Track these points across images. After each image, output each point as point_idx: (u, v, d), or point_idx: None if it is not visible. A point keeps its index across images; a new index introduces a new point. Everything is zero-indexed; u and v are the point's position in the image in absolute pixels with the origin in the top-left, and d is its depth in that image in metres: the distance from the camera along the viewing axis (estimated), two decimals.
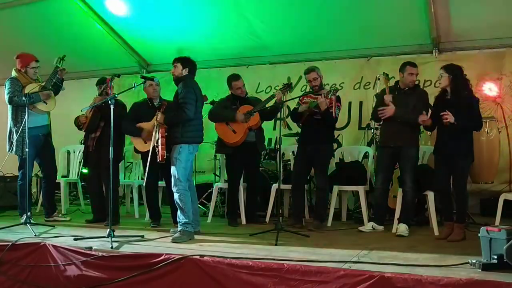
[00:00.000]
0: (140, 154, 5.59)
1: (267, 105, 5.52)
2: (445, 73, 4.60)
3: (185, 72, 4.83)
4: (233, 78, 5.71)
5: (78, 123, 5.71)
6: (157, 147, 4.82)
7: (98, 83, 5.75)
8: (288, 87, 5.41)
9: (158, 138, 4.84)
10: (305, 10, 6.44)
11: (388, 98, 4.95)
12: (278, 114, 5.19)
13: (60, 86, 5.66)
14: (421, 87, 6.57)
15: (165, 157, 4.81)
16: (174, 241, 4.45)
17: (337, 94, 5.15)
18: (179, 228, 4.63)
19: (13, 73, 5.55)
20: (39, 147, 5.58)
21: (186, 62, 4.86)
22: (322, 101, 5.06)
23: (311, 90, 5.53)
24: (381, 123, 5.21)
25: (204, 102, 5.80)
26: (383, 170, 5.06)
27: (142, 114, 5.36)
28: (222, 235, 4.81)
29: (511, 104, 6.17)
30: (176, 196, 4.70)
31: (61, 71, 5.61)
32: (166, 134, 4.89)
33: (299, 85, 7.02)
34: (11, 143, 5.46)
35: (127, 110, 5.70)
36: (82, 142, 6.23)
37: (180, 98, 4.72)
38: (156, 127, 4.94)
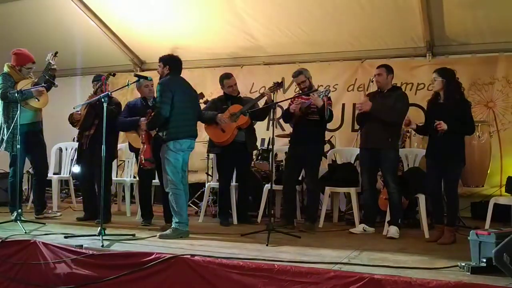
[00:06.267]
0: (134, 153, 5.57)
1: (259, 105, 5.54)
2: (438, 77, 4.62)
3: (166, 71, 4.82)
4: (225, 77, 5.72)
5: (72, 120, 5.68)
6: (141, 153, 4.87)
7: (94, 80, 5.74)
8: (278, 86, 5.42)
9: (143, 144, 4.91)
10: (300, 11, 6.46)
11: (363, 100, 5.12)
12: (271, 115, 5.19)
13: (52, 83, 5.62)
14: (414, 90, 6.65)
15: (143, 162, 4.87)
16: (161, 237, 4.49)
17: (328, 95, 5.16)
18: (172, 226, 4.65)
19: (6, 69, 5.51)
20: (31, 144, 5.54)
21: (167, 60, 4.84)
22: (315, 98, 5.06)
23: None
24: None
25: (200, 100, 5.82)
26: (366, 172, 5.12)
27: (136, 113, 5.34)
28: (214, 234, 4.81)
29: (502, 109, 6.22)
30: (169, 195, 4.71)
31: (53, 69, 5.58)
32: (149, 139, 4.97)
33: (293, 86, 7.04)
34: (1, 140, 5.42)
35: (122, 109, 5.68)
36: (76, 139, 6.20)
37: (156, 99, 4.76)
38: (141, 134, 4.99)
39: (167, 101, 4.64)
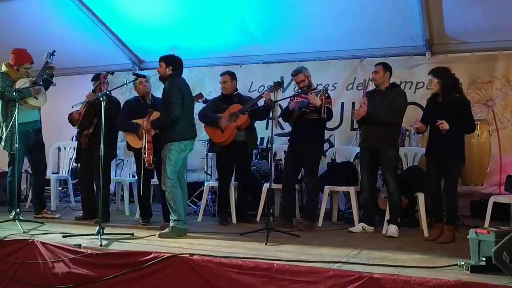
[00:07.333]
0: (132, 152, 5.55)
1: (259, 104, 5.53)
2: (434, 78, 4.60)
3: (168, 71, 4.82)
4: (221, 73, 5.75)
5: (71, 119, 5.67)
6: (144, 153, 4.82)
7: (93, 79, 5.73)
8: (278, 85, 5.41)
9: (145, 144, 4.84)
10: (299, 10, 6.44)
11: (362, 100, 5.09)
12: (270, 114, 5.17)
13: (50, 82, 5.61)
14: (414, 88, 6.64)
15: (151, 162, 4.81)
16: (160, 236, 4.50)
17: (326, 95, 5.14)
18: (170, 225, 4.66)
19: (3, 68, 5.49)
20: (29, 143, 5.53)
21: (169, 60, 4.84)
22: (313, 97, 5.05)
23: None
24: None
25: (199, 100, 5.82)
26: (366, 171, 5.10)
27: (135, 112, 5.33)
28: (213, 234, 4.80)
29: (502, 107, 6.21)
30: (165, 194, 4.71)
31: (50, 68, 5.56)
32: (153, 136, 4.90)
33: (292, 85, 7.02)
34: (0, 139, 5.40)
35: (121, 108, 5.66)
36: (75, 138, 6.19)
37: (165, 99, 4.74)
38: (144, 133, 4.92)
39: (178, 101, 4.68)
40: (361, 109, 5.00)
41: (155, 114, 5.04)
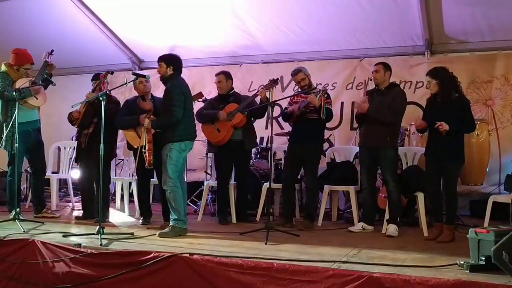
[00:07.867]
0: (132, 151, 5.56)
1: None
2: (432, 79, 4.60)
3: (170, 71, 4.80)
4: (216, 74, 5.76)
5: (71, 118, 5.67)
6: (144, 152, 4.81)
7: (93, 79, 5.73)
8: (274, 83, 5.41)
9: (145, 144, 4.83)
10: (299, 10, 6.45)
11: (362, 99, 5.10)
12: (270, 113, 5.17)
13: (50, 81, 5.61)
14: (413, 88, 6.65)
15: (151, 162, 4.81)
16: (161, 235, 4.50)
17: (325, 95, 5.15)
18: (170, 224, 4.66)
19: (3, 67, 5.49)
20: (29, 142, 5.54)
21: (170, 60, 4.83)
22: (313, 98, 5.06)
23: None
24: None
25: (199, 100, 5.83)
26: (366, 170, 5.11)
27: (135, 111, 5.33)
28: (212, 233, 4.80)
29: (501, 107, 6.22)
30: (166, 193, 4.71)
31: (50, 66, 5.57)
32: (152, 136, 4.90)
33: (292, 85, 7.03)
34: (0, 138, 5.41)
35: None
36: (75, 138, 6.19)
37: (167, 100, 4.74)
38: (143, 132, 4.91)
39: (180, 104, 4.68)
40: (363, 105, 4.99)
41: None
